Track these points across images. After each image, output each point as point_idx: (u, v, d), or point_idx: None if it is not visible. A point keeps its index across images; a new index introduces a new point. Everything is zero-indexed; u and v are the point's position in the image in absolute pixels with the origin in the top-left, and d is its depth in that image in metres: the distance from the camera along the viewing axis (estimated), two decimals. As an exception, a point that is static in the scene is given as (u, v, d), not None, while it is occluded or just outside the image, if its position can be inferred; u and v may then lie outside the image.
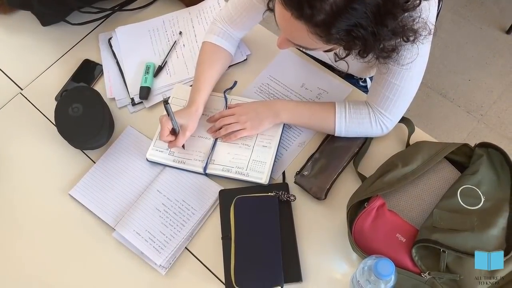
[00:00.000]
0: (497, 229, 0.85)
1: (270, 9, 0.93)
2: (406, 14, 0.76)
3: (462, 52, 2.22)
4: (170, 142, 1.04)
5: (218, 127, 1.08)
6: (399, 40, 0.80)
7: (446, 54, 2.22)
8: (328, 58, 1.13)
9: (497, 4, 2.34)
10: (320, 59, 1.20)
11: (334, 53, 1.03)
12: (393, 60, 0.88)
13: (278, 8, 0.76)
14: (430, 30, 0.84)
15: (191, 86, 1.17)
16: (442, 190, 0.94)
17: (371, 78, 1.29)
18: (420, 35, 0.82)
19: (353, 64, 1.07)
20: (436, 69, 2.18)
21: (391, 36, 0.77)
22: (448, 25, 2.29)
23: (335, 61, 1.04)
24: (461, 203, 0.89)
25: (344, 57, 0.92)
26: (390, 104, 0.98)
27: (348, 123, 1.02)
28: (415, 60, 0.89)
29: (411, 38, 0.81)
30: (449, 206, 0.89)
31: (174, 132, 1.04)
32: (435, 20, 0.89)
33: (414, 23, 0.80)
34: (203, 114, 1.12)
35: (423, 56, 0.92)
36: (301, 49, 1.00)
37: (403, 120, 1.05)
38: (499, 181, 0.92)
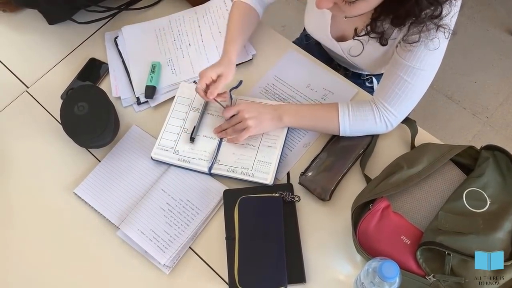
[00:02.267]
0: (503, 232, 0.84)
1: None
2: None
3: (468, 53, 2.21)
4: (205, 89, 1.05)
5: (225, 127, 1.08)
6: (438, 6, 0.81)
7: (452, 55, 2.21)
8: (340, 48, 1.13)
9: (504, 6, 2.33)
10: (335, 52, 1.19)
11: (355, 29, 1.03)
12: (417, 42, 0.88)
13: None
14: (448, 33, 0.86)
15: (195, 82, 1.17)
16: (448, 192, 0.94)
17: (377, 79, 1.29)
18: (443, 27, 0.84)
19: (365, 53, 1.06)
20: (442, 71, 2.14)
21: None
22: (454, 26, 2.28)
23: (354, 38, 1.03)
24: (467, 205, 0.89)
25: (364, 35, 0.92)
26: (398, 100, 0.98)
27: (352, 122, 1.02)
28: (428, 61, 0.91)
29: (438, 22, 0.83)
30: (454, 209, 0.89)
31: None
32: (453, 24, 0.91)
33: (445, 13, 0.82)
34: (209, 114, 1.12)
35: (438, 57, 0.94)
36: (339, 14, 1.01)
37: (406, 121, 1.05)
38: (505, 184, 0.91)
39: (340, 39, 1.12)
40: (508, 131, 2.02)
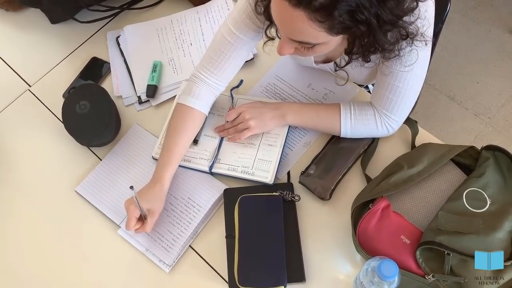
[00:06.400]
0: (503, 233, 0.84)
1: (269, 37, 0.92)
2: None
3: (471, 54, 2.21)
4: (137, 229, 0.97)
5: (228, 127, 1.08)
6: (401, 30, 0.78)
7: (454, 56, 2.20)
8: (329, 69, 1.12)
9: (507, 6, 2.32)
10: (325, 71, 1.17)
11: (334, 62, 1.02)
12: (395, 59, 0.87)
13: (274, 1, 0.75)
14: (426, 42, 0.84)
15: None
16: (448, 192, 0.94)
17: (372, 84, 1.28)
18: (417, 40, 0.82)
19: (353, 73, 1.06)
20: (444, 71, 2.17)
21: (394, 19, 0.74)
22: (456, 27, 2.28)
23: (335, 70, 1.03)
24: (467, 205, 0.89)
25: (345, 65, 0.91)
26: (394, 106, 0.98)
27: (353, 124, 1.02)
28: (416, 62, 0.89)
29: (411, 36, 0.81)
30: (454, 209, 0.89)
31: (140, 218, 0.97)
32: (432, 34, 0.88)
33: (411, 26, 0.80)
34: (210, 113, 1.12)
35: (425, 57, 0.92)
36: (302, 56, 0.97)
37: (407, 121, 1.05)
38: (505, 184, 0.91)
39: (326, 61, 1.09)
40: (510, 132, 2.01)
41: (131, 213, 0.95)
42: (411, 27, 0.79)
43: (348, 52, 0.85)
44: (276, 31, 0.89)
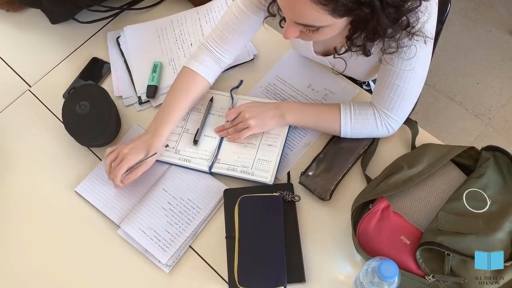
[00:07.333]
0: (503, 233, 0.84)
1: (271, 14, 0.93)
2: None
3: (471, 55, 2.21)
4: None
5: (227, 127, 1.08)
6: (403, 18, 0.80)
7: (455, 57, 2.21)
8: (328, 62, 1.12)
9: (507, 7, 2.32)
10: (324, 65, 1.18)
11: (334, 49, 1.03)
12: (394, 54, 0.88)
13: None
14: (425, 40, 0.85)
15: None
16: (448, 193, 0.94)
17: (374, 81, 1.28)
18: (417, 35, 0.83)
19: (352, 65, 1.07)
20: (444, 72, 2.17)
21: (398, 2, 0.75)
22: (457, 28, 2.28)
23: (334, 57, 1.03)
24: (467, 206, 0.89)
25: (344, 52, 0.92)
26: (395, 105, 0.98)
27: (353, 124, 1.02)
28: (417, 60, 0.90)
29: (410, 30, 0.82)
30: (454, 209, 0.89)
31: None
32: (433, 32, 0.89)
33: (413, 22, 0.81)
34: (210, 114, 1.12)
35: (426, 57, 0.92)
36: (307, 40, 0.99)
37: (407, 121, 1.05)
38: (505, 185, 0.91)
39: (325, 53, 1.10)
40: (510, 132, 2.02)
41: (131, 160, 0.99)
42: (412, 16, 0.80)
43: (350, 36, 0.86)
44: (278, 9, 0.90)
